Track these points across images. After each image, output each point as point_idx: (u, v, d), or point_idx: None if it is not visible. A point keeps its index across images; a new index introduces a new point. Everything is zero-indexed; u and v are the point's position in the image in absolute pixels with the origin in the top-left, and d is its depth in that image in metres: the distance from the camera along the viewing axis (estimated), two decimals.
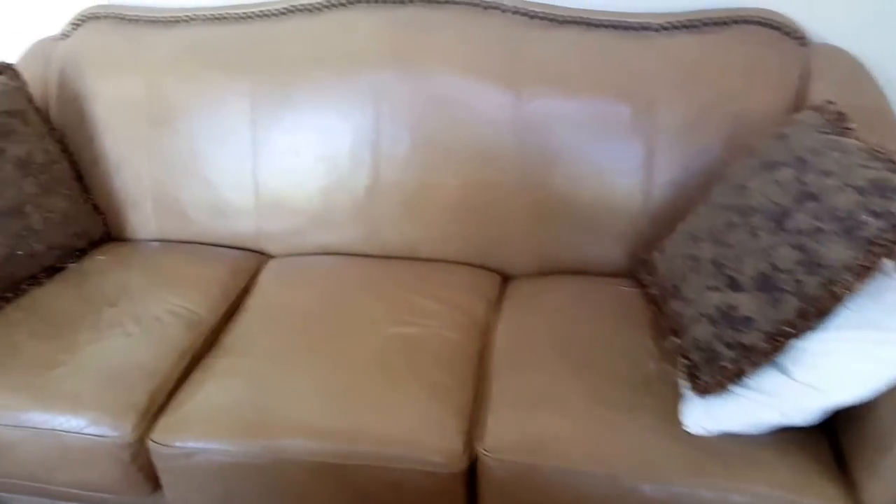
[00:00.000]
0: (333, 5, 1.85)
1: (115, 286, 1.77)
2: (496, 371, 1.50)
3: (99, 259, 1.90)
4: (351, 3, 1.84)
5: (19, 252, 1.76)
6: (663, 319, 1.49)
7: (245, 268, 1.88)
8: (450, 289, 1.73)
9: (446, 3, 1.77)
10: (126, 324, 1.63)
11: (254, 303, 1.75)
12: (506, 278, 1.84)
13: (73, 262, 1.89)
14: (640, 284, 1.67)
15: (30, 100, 1.88)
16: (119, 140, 1.96)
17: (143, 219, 2.00)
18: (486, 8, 1.76)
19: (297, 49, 1.84)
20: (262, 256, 1.95)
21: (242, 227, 1.94)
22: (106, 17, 2.03)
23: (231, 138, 1.88)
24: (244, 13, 1.93)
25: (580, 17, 1.74)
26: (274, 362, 1.52)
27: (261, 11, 1.91)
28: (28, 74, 1.89)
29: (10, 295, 1.75)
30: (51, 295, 1.75)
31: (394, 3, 1.80)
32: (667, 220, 1.65)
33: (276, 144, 1.86)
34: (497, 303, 1.74)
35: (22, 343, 1.58)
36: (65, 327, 1.63)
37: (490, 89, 1.72)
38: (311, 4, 1.87)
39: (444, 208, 1.80)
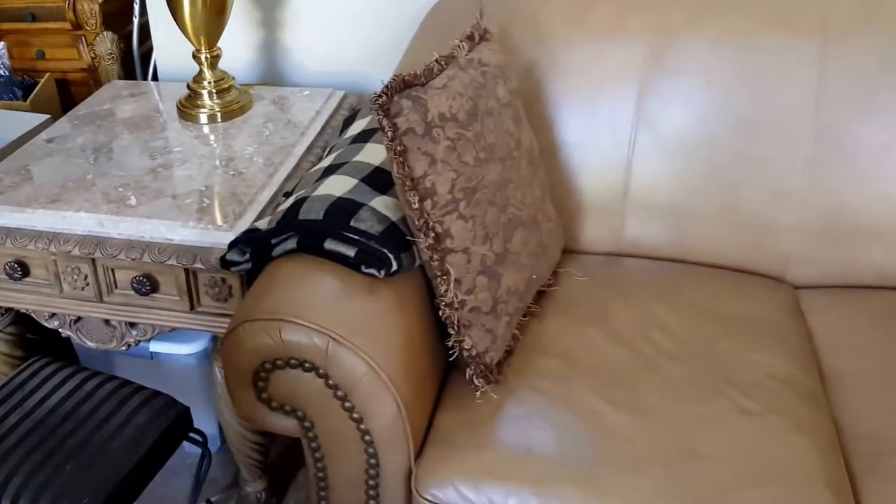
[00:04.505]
0: None
1: (644, 323, 1.33)
2: None
3: (579, 280, 1.45)
4: None
5: (534, 276, 1.33)
6: None
7: (786, 303, 1.42)
8: None
9: None
10: (729, 393, 1.17)
11: (841, 362, 1.30)
12: None
13: (551, 284, 1.44)
14: None
15: None
16: (600, 125, 1.51)
17: (606, 228, 1.53)
18: None
19: None
20: (782, 284, 1.49)
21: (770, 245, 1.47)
22: None
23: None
24: None
25: None
26: None
27: None
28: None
29: (518, 332, 1.32)
30: (562, 331, 1.33)
31: None
32: None
33: None
34: None
35: (599, 412, 1.16)
36: (627, 387, 1.21)
37: None
38: None
39: None
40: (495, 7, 1.56)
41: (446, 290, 1.17)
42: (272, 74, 1.97)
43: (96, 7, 2.08)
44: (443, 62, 1.23)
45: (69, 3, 2.07)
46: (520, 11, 1.54)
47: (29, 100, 2.05)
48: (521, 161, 1.33)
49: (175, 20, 1.57)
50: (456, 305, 1.18)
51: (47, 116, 1.79)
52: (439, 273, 1.16)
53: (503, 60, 1.36)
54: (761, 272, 1.51)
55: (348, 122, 1.55)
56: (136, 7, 2.07)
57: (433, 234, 1.15)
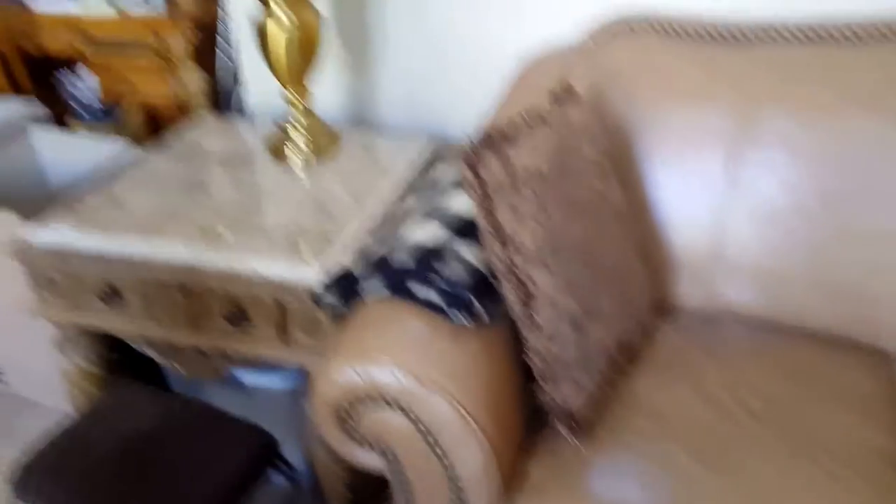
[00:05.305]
0: None
1: (735, 385, 1.32)
2: None
3: (670, 338, 1.46)
4: None
5: (623, 332, 1.34)
6: None
7: (882, 374, 1.39)
8: None
9: None
10: (818, 458, 1.16)
11: None
12: None
13: (642, 342, 1.44)
14: None
15: None
16: (690, 185, 1.50)
17: (697, 287, 1.52)
18: None
19: None
20: (880, 354, 1.44)
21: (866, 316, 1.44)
22: (645, 29, 1.57)
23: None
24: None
25: None
26: None
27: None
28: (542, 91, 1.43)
29: (608, 389, 1.31)
30: (653, 389, 1.32)
31: None
32: None
33: None
34: None
35: (689, 471, 1.15)
36: (716, 447, 1.20)
37: None
38: None
39: None
40: (584, 69, 1.58)
41: (533, 340, 1.17)
42: (360, 117, 2.02)
43: (185, 42, 2.14)
44: (530, 119, 1.25)
45: (158, 37, 2.12)
46: (607, 73, 1.56)
47: (118, 130, 2.12)
48: (608, 218, 1.34)
49: (265, 60, 1.62)
50: (543, 355, 1.18)
51: (137, 147, 1.84)
52: (527, 323, 1.17)
53: (589, 119, 1.38)
54: (859, 341, 1.47)
55: (434, 168, 1.58)
56: (225, 43, 2.14)
57: (520, 285, 1.16)
